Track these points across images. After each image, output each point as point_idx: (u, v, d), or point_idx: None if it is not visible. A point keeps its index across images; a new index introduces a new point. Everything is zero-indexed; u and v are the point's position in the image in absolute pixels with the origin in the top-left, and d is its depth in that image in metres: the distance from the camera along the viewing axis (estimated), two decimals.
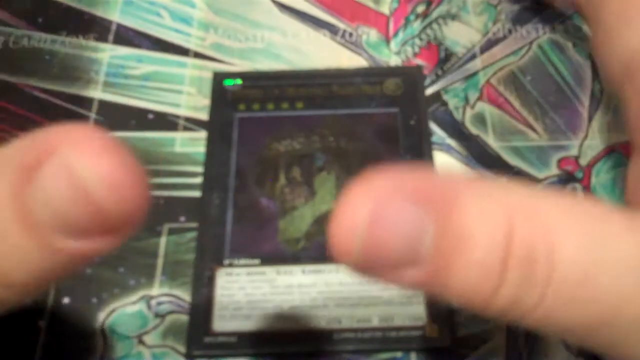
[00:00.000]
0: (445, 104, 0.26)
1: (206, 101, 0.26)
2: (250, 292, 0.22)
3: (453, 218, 0.14)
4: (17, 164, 0.13)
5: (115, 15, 0.29)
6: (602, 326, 0.14)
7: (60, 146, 0.13)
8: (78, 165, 0.12)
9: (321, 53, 0.28)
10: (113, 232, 0.13)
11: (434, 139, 0.25)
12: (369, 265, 0.14)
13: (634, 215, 0.15)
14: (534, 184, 0.15)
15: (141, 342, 0.21)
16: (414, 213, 0.14)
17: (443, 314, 0.21)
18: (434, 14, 0.29)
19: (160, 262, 0.22)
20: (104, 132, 0.13)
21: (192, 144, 0.25)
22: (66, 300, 0.22)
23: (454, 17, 0.28)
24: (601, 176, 0.24)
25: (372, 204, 0.14)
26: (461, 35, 0.28)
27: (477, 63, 0.27)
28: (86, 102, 0.26)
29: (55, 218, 0.13)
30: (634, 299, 0.14)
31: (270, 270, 0.22)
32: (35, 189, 0.13)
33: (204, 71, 0.27)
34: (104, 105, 0.26)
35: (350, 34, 0.28)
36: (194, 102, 0.26)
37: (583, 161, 0.24)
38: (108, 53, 0.28)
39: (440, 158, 0.25)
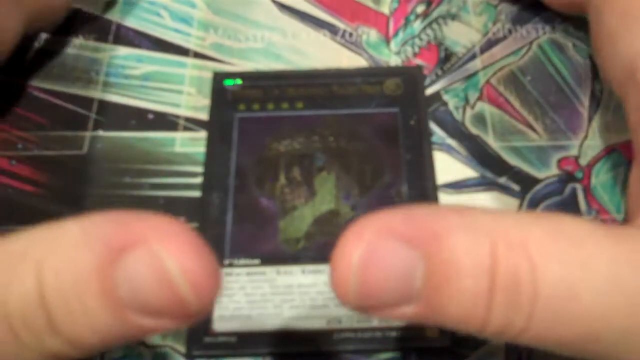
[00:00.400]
0: (445, 104, 0.26)
1: (206, 101, 0.26)
2: (250, 292, 0.22)
3: (441, 252, 0.14)
4: (104, 241, 0.14)
5: (116, 15, 0.29)
6: (590, 341, 0.15)
7: (150, 238, 0.14)
8: (167, 259, 0.14)
9: (321, 53, 0.28)
10: (186, 317, 0.14)
11: (434, 139, 0.25)
12: (365, 305, 0.15)
13: (617, 232, 0.15)
14: (520, 213, 0.16)
15: (141, 342, 0.21)
16: (404, 252, 0.14)
17: None
18: (434, 14, 0.29)
19: None
20: (187, 227, 0.15)
21: (192, 144, 0.25)
22: None
23: (454, 17, 0.28)
24: (601, 176, 0.24)
25: (365, 246, 0.14)
26: (461, 35, 0.28)
27: (477, 63, 0.27)
28: (86, 102, 0.26)
29: (137, 299, 0.14)
30: (618, 313, 0.15)
31: (270, 270, 0.22)
32: (122, 269, 0.14)
33: (204, 71, 0.27)
34: (104, 105, 0.26)
35: (350, 34, 0.28)
36: (194, 102, 0.26)
37: (583, 161, 0.24)
38: (108, 53, 0.28)
39: (440, 158, 0.25)
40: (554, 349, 0.16)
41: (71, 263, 0.14)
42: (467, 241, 0.14)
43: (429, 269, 0.14)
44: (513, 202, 0.24)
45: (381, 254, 0.14)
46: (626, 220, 0.22)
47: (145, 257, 0.14)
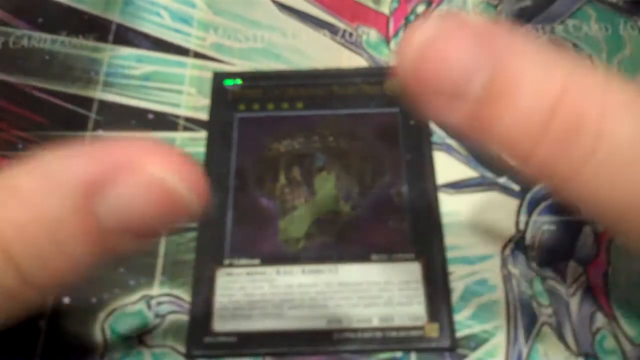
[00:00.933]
0: None
1: (206, 101, 0.26)
2: (250, 292, 0.22)
3: (509, 67, 0.14)
4: (78, 181, 0.14)
5: (116, 15, 0.29)
6: (639, 210, 0.14)
7: (140, 160, 0.14)
8: (162, 174, 0.14)
9: (321, 53, 0.28)
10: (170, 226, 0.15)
11: (434, 139, 0.25)
12: (419, 82, 0.14)
13: None
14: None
15: (141, 342, 0.21)
16: (475, 52, 0.14)
17: (443, 314, 0.21)
18: (434, 14, 0.29)
19: (160, 262, 0.22)
20: (166, 145, 0.15)
21: (192, 144, 0.25)
22: (66, 300, 0.22)
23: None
24: None
25: (441, 26, 0.14)
26: None
27: None
28: (86, 102, 0.26)
29: (126, 224, 0.14)
30: None
31: (270, 270, 0.22)
32: (107, 198, 0.14)
33: (204, 71, 0.27)
34: (104, 105, 0.26)
35: (350, 34, 0.28)
36: (194, 102, 0.26)
37: None
38: (108, 53, 0.28)
39: (440, 158, 0.25)
40: (592, 209, 0.15)
41: (37, 211, 0.14)
42: (540, 70, 0.14)
43: (491, 76, 0.14)
44: (513, 202, 0.24)
45: (453, 42, 0.14)
46: None
47: (136, 181, 0.14)
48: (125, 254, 0.15)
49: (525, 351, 0.21)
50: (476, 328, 0.21)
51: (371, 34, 0.28)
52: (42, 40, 0.28)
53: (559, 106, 0.14)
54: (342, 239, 0.23)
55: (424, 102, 0.15)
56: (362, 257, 0.22)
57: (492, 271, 0.22)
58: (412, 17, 0.29)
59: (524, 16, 0.28)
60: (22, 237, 0.14)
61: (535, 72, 0.14)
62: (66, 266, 0.14)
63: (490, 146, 0.15)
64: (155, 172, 0.14)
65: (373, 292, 0.21)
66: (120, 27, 0.28)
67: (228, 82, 0.26)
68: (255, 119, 0.25)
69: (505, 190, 0.24)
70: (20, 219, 0.14)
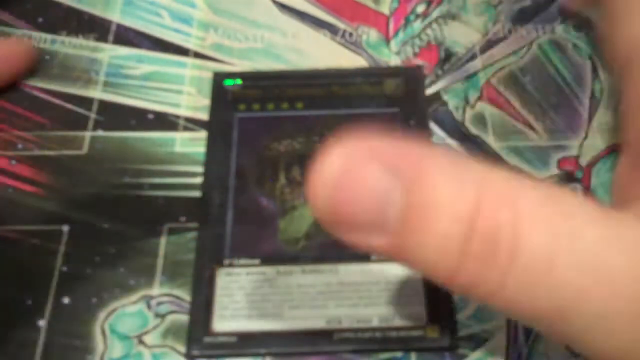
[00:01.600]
0: (445, 104, 0.26)
1: (206, 101, 0.26)
2: (250, 292, 0.22)
3: (422, 187, 0.14)
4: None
5: (116, 15, 0.29)
6: (563, 317, 0.14)
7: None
8: None
9: (321, 53, 0.28)
10: None
11: (434, 139, 0.25)
12: (336, 219, 0.14)
13: (609, 212, 0.15)
14: (513, 174, 0.15)
15: (141, 342, 0.21)
16: (384, 176, 0.14)
17: (443, 314, 0.21)
18: (434, 14, 0.29)
19: (160, 262, 0.22)
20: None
21: (192, 144, 0.25)
22: (66, 300, 0.22)
23: (454, 17, 0.28)
24: (601, 176, 0.24)
25: (346, 159, 0.14)
26: (461, 35, 0.28)
27: (477, 63, 0.27)
28: (86, 102, 0.26)
29: None
30: (593, 294, 0.14)
31: (270, 270, 0.22)
32: None
33: (204, 71, 0.27)
34: (104, 105, 0.26)
35: (350, 34, 0.28)
36: (194, 102, 0.26)
37: (583, 161, 0.24)
38: (108, 53, 0.28)
39: None
40: (524, 319, 0.15)
41: None
42: (452, 186, 0.14)
43: (406, 203, 0.14)
44: None
45: (361, 172, 0.14)
46: None
47: None
48: None
49: (525, 351, 0.21)
50: (476, 328, 0.21)
51: (371, 34, 0.28)
52: (42, 40, 0.28)
53: (475, 224, 0.14)
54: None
55: (345, 236, 0.15)
56: (362, 257, 0.22)
57: None
58: (412, 17, 0.29)
59: (524, 16, 0.28)
60: None
61: (448, 190, 0.14)
62: None
63: (415, 270, 0.15)
64: None
65: (373, 292, 0.21)
66: (120, 27, 0.28)
67: (228, 82, 0.26)
68: (255, 119, 0.25)
69: None
70: None
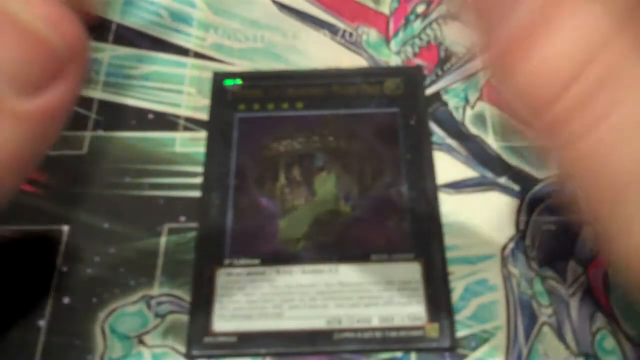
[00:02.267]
0: (445, 104, 0.26)
1: (206, 101, 0.26)
2: (250, 292, 0.22)
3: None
4: None
5: (116, 15, 0.29)
6: (635, 186, 0.14)
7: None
8: (22, 13, 0.13)
9: (321, 53, 0.28)
10: (62, 74, 0.14)
11: (434, 139, 0.25)
12: None
13: None
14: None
15: (141, 342, 0.21)
16: None
17: (443, 314, 0.21)
18: (434, 14, 0.29)
19: (160, 262, 0.22)
20: None
21: (192, 144, 0.25)
22: (66, 300, 0.22)
23: (454, 17, 0.28)
24: None
25: None
26: (461, 35, 0.28)
27: (477, 63, 0.27)
28: (86, 102, 0.26)
29: (8, 77, 0.13)
30: None
31: (270, 270, 0.22)
32: None
33: (204, 71, 0.27)
34: (104, 105, 0.26)
35: (350, 34, 0.28)
36: (194, 102, 0.26)
37: None
38: (108, 53, 0.28)
39: (440, 158, 0.25)
40: (590, 187, 0.14)
41: None
42: (590, 17, 0.13)
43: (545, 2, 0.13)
44: (513, 202, 0.24)
45: None
46: None
47: (1, 21, 0.14)
48: (54, 123, 0.15)
49: (525, 351, 0.21)
50: (476, 328, 0.21)
51: (371, 34, 0.28)
52: None
53: (596, 58, 0.13)
54: (342, 239, 0.23)
55: (480, 15, 0.14)
56: (362, 257, 0.22)
57: (492, 271, 0.22)
58: (412, 17, 0.29)
59: None
60: None
61: (586, 15, 0.13)
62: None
63: (511, 87, 0.14)
64: (10, 8, 0.14)
65: (373, 292, 0.21)
66: (120, 27, 0.28)
67: (228, 82, 0.26)
68: (255, 119, 0.25)
69: (505, 190, 0.24)
70: None
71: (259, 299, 0.21)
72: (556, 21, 0.14)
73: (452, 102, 0.26)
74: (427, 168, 0.24)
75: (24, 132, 0.14)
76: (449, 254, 0.22)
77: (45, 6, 0.14)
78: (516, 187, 0.24)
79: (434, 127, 0.25)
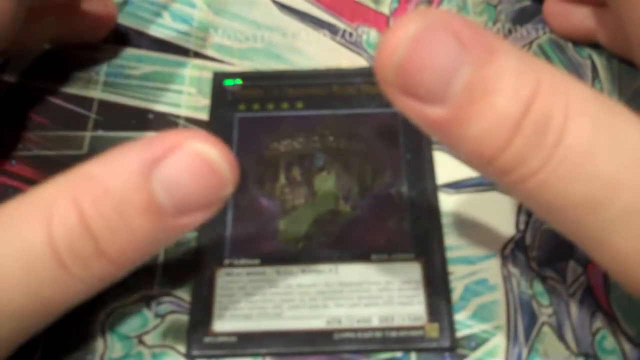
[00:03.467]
0: None
1: (206, 101, 0.26)
2: (250, 292, 0.22)
3: (490, 67, 0.15)
4: (137, 161, 0.16)
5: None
6: (594, 208, 0.15)
7: (186, 140, 0.17)
8: (207, 150, 0.17)
9: (321, 53, 0.28)
10: (220, 201, 0.17)
11: (434, 139, 0.25)
12: (401, 85, 0.15)
13: None
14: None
15: (141, 342, 0.21)
16: (455, 49, 0.15)
17: (443, 314, 0.21)
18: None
19: (160, 262, 0.22)
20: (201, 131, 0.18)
21: None
22: None
23: None
24: None
25: (422, 26, 0.15)
26: None
27: None
28: (86, 102, 0.26)
29: (176, 199, 0.16)
30: (629, 186, 0.15)
31: (270, 270, 0.22)
32: (158, 178, 0.16)
33: (204, 71, 0.27)
34: (104, 105, 0.26)
35: (350, 34, 0.28)
36: (194, 102, 0.26)
37: None
38: (108, 53, 0.28)
39: (440, 158, 0.24)
40: (551, 209, 0.15)
41: (107, 189, 0.16)
42: (517, 69, 0.15)
43: (471, 77, 0.14)
44: (513, 202, 0.24)
45: (435, 41, 0.14)
46: None
47: (183, 155, 0.16)
48: (182, 235, 0.18)
49: (525, 351, 0.21)
50: (476, 328, 0.21)
51: (371, 34, 0.28)
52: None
53: (531, 105, 0.15)
54: (342, 239, 0.23)
55: (403, 102, 0.15)
56: (362, 257, 0.22)
57: (492, 271, 0.22)
58: None
59: (524, 16, 0.28)
60: (96, 211, 0.16)
61: (513, 71, 0.15)
62: (133, 240, 0.17)
63: (456, 150, 0.16)
64: (199, 147, 0.17)
65: (373, 292, 0.21)
66: (120, 27, 0.28)
67: (228, 82, 0.26)
68: (255, 119, 0.25)
69: None
70: (95, 197, 0.16)
71: (259, 299, 0.21)
72: (488, 88, 0.15)
73: None
74: (427, 168, 0.24)
75: (158, 239, 0.17)
76: (449, 254, 0.22)
77: (225, 148, 0.17)
78: None
79: None
